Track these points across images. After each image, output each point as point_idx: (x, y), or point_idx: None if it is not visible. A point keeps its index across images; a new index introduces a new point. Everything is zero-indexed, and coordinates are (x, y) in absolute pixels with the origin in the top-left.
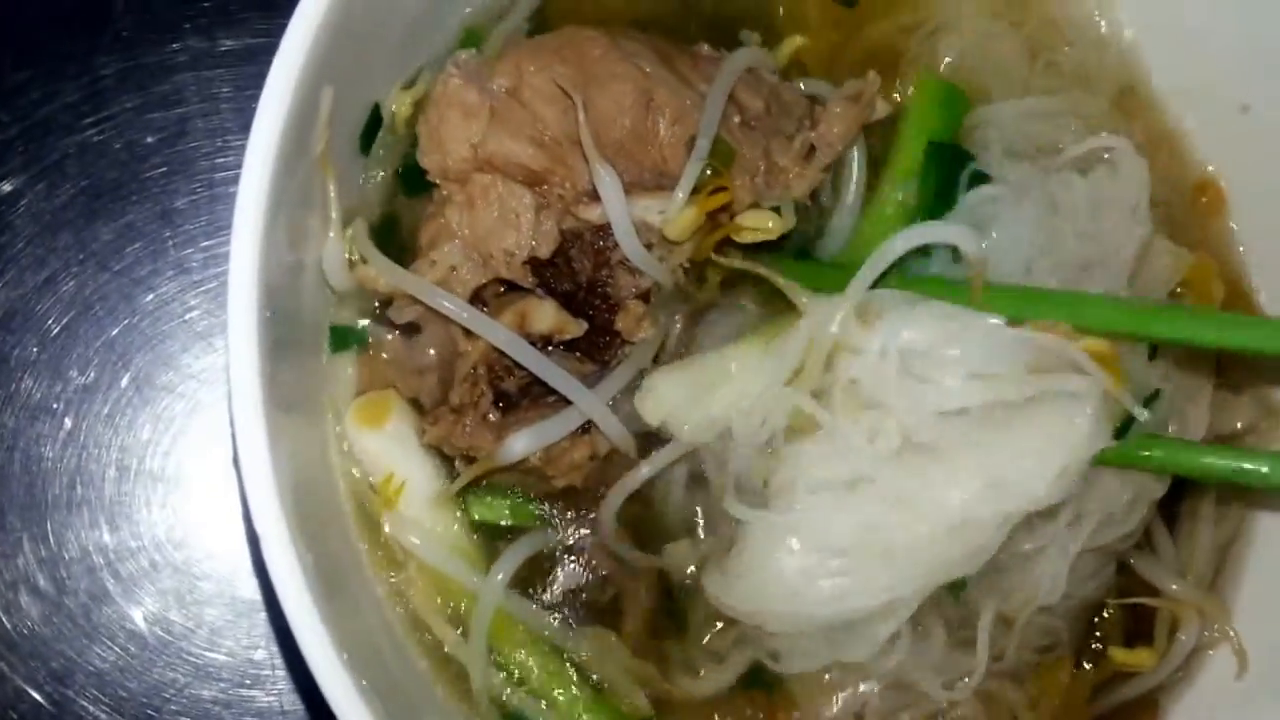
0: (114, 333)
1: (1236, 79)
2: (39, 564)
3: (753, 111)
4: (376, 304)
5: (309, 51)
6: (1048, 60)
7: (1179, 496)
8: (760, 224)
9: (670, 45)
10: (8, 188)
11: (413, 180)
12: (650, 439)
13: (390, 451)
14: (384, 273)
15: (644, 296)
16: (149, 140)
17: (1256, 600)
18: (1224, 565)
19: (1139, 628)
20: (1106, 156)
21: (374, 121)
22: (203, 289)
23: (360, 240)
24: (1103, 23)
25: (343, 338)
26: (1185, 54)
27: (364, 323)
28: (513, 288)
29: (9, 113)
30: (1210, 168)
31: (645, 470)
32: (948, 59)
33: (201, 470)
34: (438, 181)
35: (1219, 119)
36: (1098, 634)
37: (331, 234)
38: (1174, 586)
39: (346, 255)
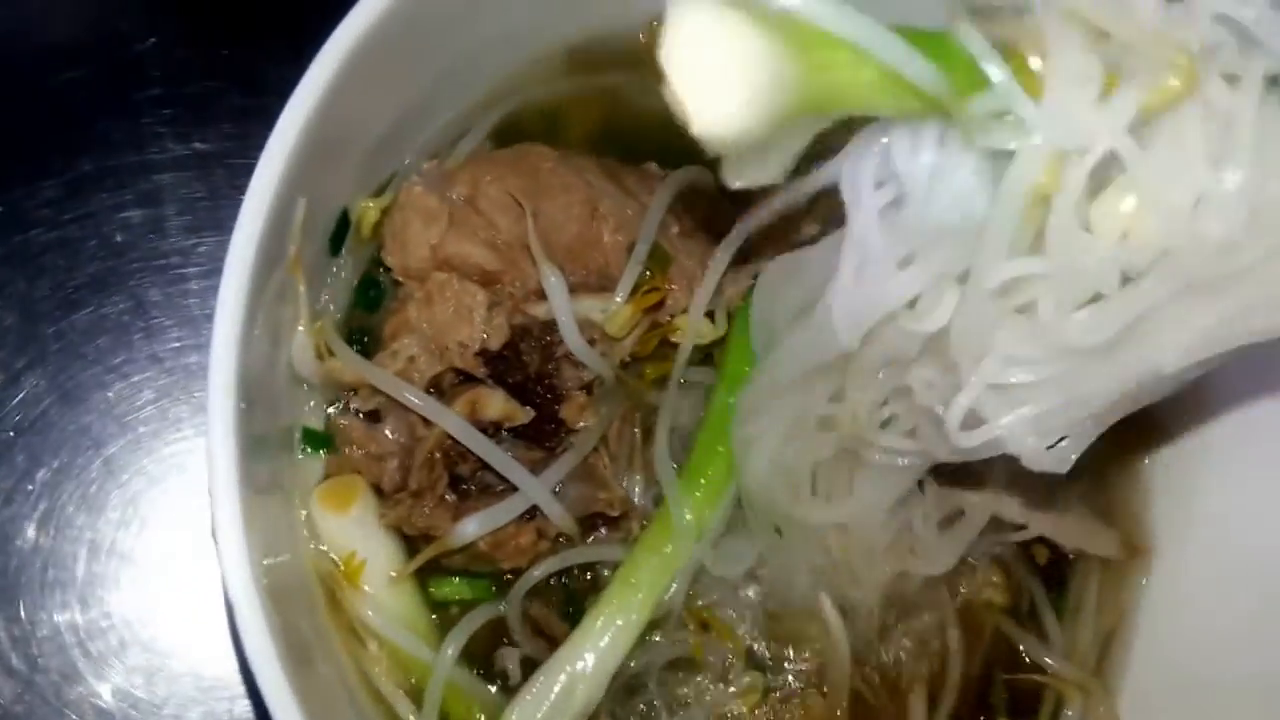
0: (88, 419)
1: None
2: (12, 643)
3: (691, 223)
4: (343, 395)
5: (286, 165)
6: None
7: (1064, 582)
8: (693, 325)
9: (618, 164)
10: None
11: (369, 292)
12: (594, 520)
13: (353, 532)
14: (349, 364)
15: (587, 388)
16: (126, 236)
17: (1139, 684)
18: (1109, 650)
19: (1025, 705)
20: None
21: (342, 225)
22: (174, 377)
23: (328, 334)
24: None
25: (312, 441)
26: None
27: (331, 410)
28: (467, 378)
29: None
30: None
31: (548, 564)
32: None
33: (170, 550)
34: (400, 279)
35: None
36: (989, 702)
37: (300, 329)
38: (1059, 666)
39: (314, 348)
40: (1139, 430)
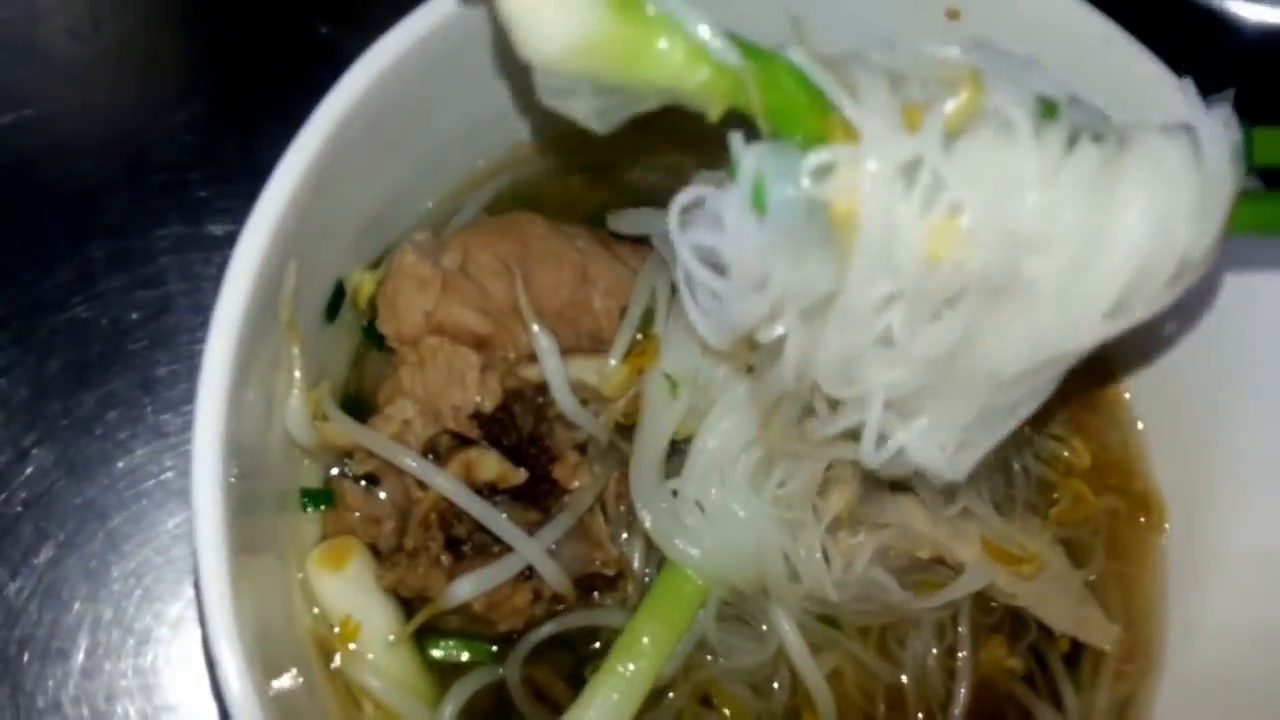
0: (93, 493)
1: None
2: (15, 714)
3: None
4: (342, 461)
5: (274, 230)
6: None
7: (1079, 649)
8: None
9: (609, 235)
10: (3, 358)
11: (376, 334)
12: (591, 580)
13: (349, 594)
14: (344, 428)
15: (580, 449)
16: (133, 317)
17: None
18: (1125, 715)
19: None
20: None
21: (338, 295)
22: (178, 451)
23: (323, 399)
24: None
25: (312, 499)
26: None
27: (334, 471)
28: (462, 440)
29: (4, 292)
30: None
31: (547, 628)
32: None
33: (172, 621)
34: (394, 346)
35: None
36: None
37: (295, 394)
38: None
39: (310, 413)
40: (1153, 512)
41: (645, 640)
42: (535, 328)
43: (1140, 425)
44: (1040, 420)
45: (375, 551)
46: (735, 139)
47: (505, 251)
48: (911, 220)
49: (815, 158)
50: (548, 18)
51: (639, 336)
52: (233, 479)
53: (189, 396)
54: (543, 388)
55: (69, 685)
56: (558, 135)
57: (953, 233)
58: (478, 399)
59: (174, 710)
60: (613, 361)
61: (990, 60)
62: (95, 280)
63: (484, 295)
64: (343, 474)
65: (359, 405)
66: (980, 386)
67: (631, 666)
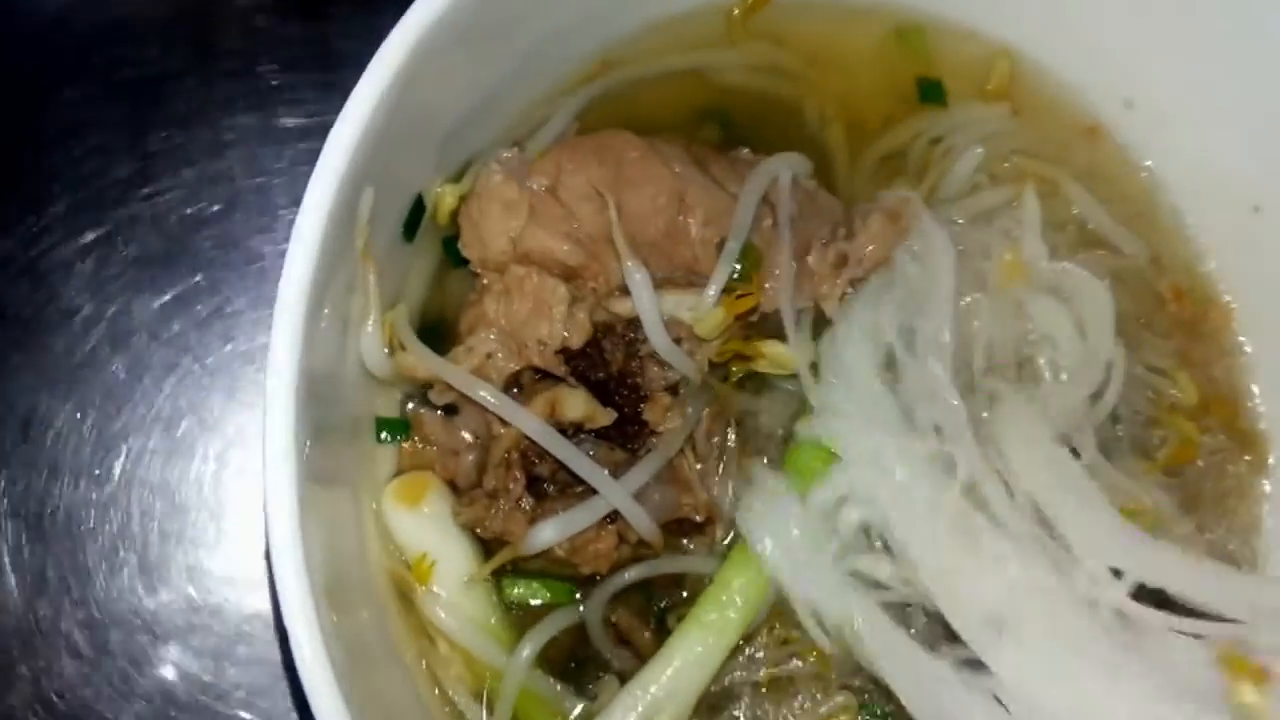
0: (159, 400)
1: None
2: (78, 626)
3: (785, 215)
4: (420, 390)
5: (352, 154)
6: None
7: None
8: (777, 355)
9: (707, 150)
10: (60, 258)
11: (457, 250)
12: (679, 525)
13: (425, 531)
14: (422, 360)
15: (672, 389)
16: (200, 213)
17: None
18: None
19: None
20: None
21: (417, 211)
22: (247, 357)
23: (400, 327)
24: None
25: (388, 428)
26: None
27: (410, 405)
28: (547, 375)
29: (61, 184)
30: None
31: (632, 574)
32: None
33: (240, 535)
34: (478, 271)
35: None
36: None
37: (370, 323)
38: None
39: (386, 343)
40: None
41: (734, 591)
42: (629, 260)
43: (1248, 349)
44: (1146, 352)
45: (453, 487)
46: None
47: (597, 175)
48: None
49: None
50: None
51: (737, 272)
52: (307, 403)
53: (257, 300)
54: (634, 323)
55: (135, 596)
56: (649, 36)
57: None
58: (565, 334)
59: (241, 622)
60: (710, 293)
61: None
62: (159, 174)
63: (574, 222)
64: (421, 403)
65: (439, 327)
66: None
67: (718, 616)
